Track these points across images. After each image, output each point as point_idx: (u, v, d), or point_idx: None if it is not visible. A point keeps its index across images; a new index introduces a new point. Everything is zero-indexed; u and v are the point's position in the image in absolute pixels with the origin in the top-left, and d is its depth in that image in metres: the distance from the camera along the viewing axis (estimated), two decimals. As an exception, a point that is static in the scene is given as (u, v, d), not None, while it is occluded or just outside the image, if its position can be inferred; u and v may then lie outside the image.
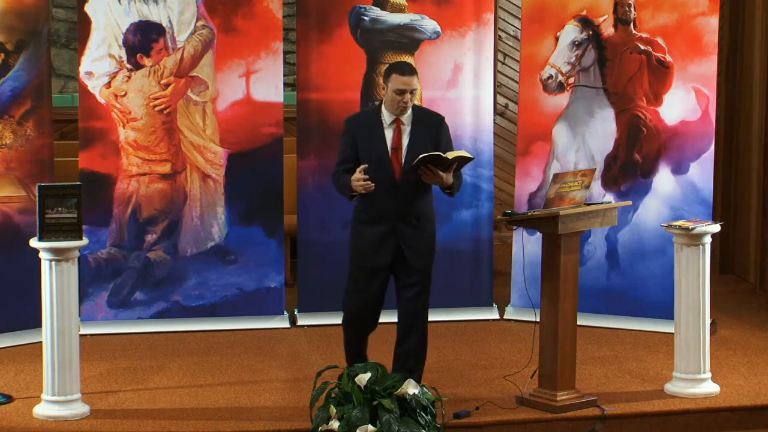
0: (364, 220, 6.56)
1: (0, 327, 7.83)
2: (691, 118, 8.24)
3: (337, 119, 8.00)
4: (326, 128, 8.29)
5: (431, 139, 6.51)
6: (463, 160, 6.42)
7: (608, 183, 8.40)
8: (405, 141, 6.49)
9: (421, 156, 6.32)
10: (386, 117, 6.52)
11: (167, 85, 8.17)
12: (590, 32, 8.37)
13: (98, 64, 8.11)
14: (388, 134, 6.50)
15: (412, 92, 6.44)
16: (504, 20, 10.70)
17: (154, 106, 8.17)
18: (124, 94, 8.13)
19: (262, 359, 7.61)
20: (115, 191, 8.17)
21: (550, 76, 8.47)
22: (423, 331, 6.66)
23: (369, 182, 6.39)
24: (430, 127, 6.56)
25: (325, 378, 6.37)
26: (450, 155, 6.35)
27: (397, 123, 6.50)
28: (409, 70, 6.46)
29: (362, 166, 6.42)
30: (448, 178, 6.40)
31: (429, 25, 8.44)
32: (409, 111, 6.51)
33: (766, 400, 6.91)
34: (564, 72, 8.44)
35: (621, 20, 8.31)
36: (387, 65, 6.63)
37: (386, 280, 6.61)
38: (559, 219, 6.57)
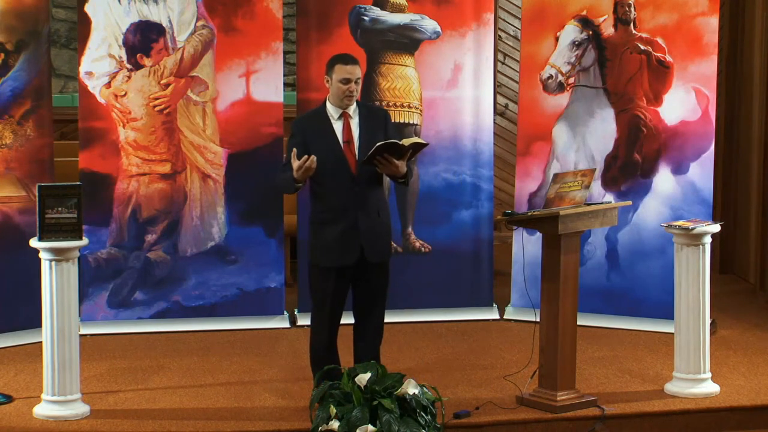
0: (325, 220, 6.43)
1: (0, 327, 7.83)
2: (691, 118, 8.23)
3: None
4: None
5: (380, 129, 6.48)
6: (417, 147, 6.40)
7: (608, 183, 8.40)
8: (356, 133, 6.45)
9: (377, 144, 6.25)
10: (333, 112, 6.47)
11: (167, 85, 8.17)
12: (590, 32, 8.37)
13: (98, 64, 8.11)
14: (338, 128, 6.44)
15: (356, 81, 6.42)
16: (504, 20, 10.70)
17: (154, 106, 8.17)
18: (124, 94, 8.13)
19: (262, 359, 7.61)
20: (115, 191, 8.17)
21: (550, 76, 8.47)
22: (381, 328, 6.63)
23: (310, 159, 6.21)
24: (377, 117, 6.55)
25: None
26: (405, 142, 6.32)
27: (344, 116, 6.46)
28: (351, 60, 6.45)
29: (303, 158, 6.25)
30: (402, 166, 6.35)
31: (429, 25, 8.44)
32: (355, 103, 6.49)
33: (766, 400, 6.90)
34: (564, 72, 8.44)
35: (621, 20, 8.31)
36: (328, 60, 6.53)
37: (349, 283, 6.51)
38: (559, 219, 6.57)
